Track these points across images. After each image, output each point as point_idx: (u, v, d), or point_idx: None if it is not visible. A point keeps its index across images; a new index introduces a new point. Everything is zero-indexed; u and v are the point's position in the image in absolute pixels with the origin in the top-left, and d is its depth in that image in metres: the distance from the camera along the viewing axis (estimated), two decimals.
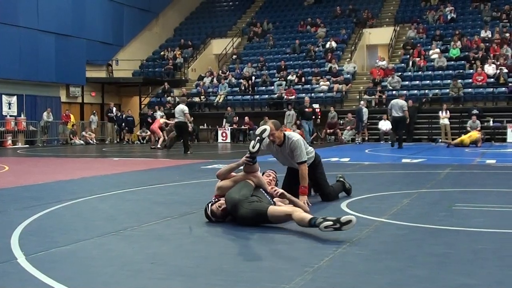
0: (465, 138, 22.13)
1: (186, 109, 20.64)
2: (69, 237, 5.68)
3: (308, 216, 5.67)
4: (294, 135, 7.67)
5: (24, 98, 29.54)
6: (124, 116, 32.14)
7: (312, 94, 30.14)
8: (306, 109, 25.50)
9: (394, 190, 8.80)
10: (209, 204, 6.43)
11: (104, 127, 33.47)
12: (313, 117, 26.94)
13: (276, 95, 30.00)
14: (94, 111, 32.76)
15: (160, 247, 5.28)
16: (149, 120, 30.27)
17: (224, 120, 29.92)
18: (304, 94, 29.94)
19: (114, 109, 32.26)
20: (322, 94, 30.27)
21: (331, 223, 5.41)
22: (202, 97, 32.73)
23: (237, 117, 29.83)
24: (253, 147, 6.63)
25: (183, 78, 36.28)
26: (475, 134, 22.34)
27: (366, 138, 27.16)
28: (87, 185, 10.62)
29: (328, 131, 28.20)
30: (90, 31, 33.04)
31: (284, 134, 7.51)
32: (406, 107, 21.44)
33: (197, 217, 6.86)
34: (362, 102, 27.86)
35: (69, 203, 8.06)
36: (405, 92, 27.09)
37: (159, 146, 23.72)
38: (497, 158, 16.10)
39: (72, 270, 4.48)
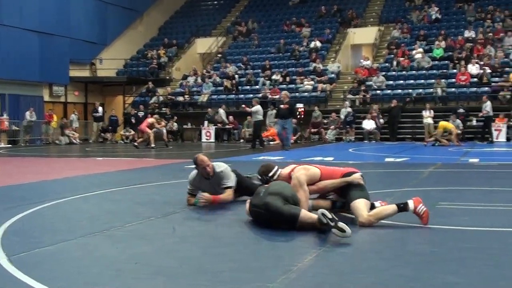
0: (439, 128, 22.78)
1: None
2: (52, 237, 5.63)
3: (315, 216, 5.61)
4: (221, 165, 7.66)
5: (6, 98, 29.28)
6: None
7: (297, 94, 30.16)
8: (282, 106, 21.38)
9: (377, 189, 8.79)
10: None
11: (87, 126, 33.29)
12: (299, 116, 26.94)
13: (261, 95, 30.01)
14: (75, 110, 32.44)
15: (144, 247, 5.26)
16: (133, 120, 30.19)
17: (206, 121, 29.83)
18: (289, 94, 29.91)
19: (100, 108, 32.07)
20: (306, 93, 30.30)
21: (329, 216, 5.35)
22: (186, 96, 32.65)
23: (221, 117, 29.76)
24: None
25: (168, 77, 36.16)
26: (449, 125, 22.71)
27: (352, 138, 27.20)
28: (71, 185, 10.55)
29: (312, 130, 28.25)
30: (74, 29, 32.82)
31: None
32: None
33: (180, 217, 6.85)
34: (346, 102, 27.96)
35: (52, 203, 8.00)
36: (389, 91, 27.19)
37: (153, 145, 23.52)
38: (480, 157, 16.19)
39: (56, 270, 4.44)
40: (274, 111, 27.60)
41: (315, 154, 17.31)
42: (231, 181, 7.60)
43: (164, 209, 7.33)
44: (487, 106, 24.33)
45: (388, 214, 6.06)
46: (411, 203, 6.01)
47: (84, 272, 4.38)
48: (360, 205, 6.14)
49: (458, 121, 24.40)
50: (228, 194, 7.53)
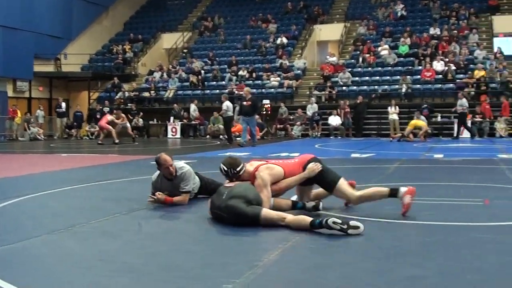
0: (409, 125, 22.94)
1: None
2: (17, 235, 5.58)
3: (308, 218, 5.57)
4: (184, 166, 7.50)
5: None
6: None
7: (263, 90, 30.21)
8: (244, 102, 21.13)
9: None
10: None
11: (52, 122, 32.92)
12: (265, 112, 27.00)
13: (227, 90, 29.97)
14: (40, 106, 32.05)
15: (110, 244, 5.24)
16: (98, 116, 29.91)
17: (172, 117, 29.73)
18: (254, 90, 30.02)
19: (63, 104, 31.71)
20: (272, 90, 30.37)
21: (339, 221, 5.33)
22: (152, 92, 32.48)
23: (187, 112, 29.67)
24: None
25: (133, 72, 35.91)
26: (419, 122, 23.07)
27: (318, 134, 27.34)
28: (34, 182, 10.45)
29: (279, 126, 28.35)
30: (38, 24, 32.31)
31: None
32: None
33: (146, 213, 6.82)
34: (312, 98, 28.10)
35: (16, 200, 7.91)
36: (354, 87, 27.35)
37: (116, 141, 23.27)
38: (444, 152, 16.41)
39: (21, 269, 4.40)
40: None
41: (282, 150, 17.36)
42: (190, 185, 7.45)
43: (130, 205, 7.28)
44: (463, 102, 24.51)
45: (377, 197, 6.48)
46: (403, 190, 6.26)
47: (50, 270, 4.36)
48: (346, 186, 6.57)
49: (422, 117, 24.68)
50: (183, 198, 7.34)
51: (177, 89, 32.30)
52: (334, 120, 27.06)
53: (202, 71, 32.77)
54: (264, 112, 28.01)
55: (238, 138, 24.00)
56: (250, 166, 6.60)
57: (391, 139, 23.40)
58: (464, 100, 24.63)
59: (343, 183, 6.57)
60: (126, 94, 32.77)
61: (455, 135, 24.87)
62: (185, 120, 29.58)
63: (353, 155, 16.06)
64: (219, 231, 5.70)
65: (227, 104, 22.26)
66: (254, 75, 31.61)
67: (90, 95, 34.27)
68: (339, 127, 27.05)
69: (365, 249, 4.91)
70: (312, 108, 27.70)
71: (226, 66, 33.13)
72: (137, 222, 6.26)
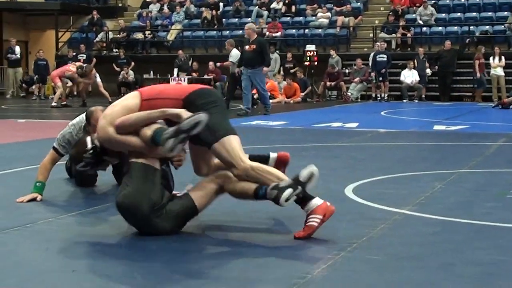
0: None
1: None
2: None
3: (252, 186, 5.59)
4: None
5: None
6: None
7: (306, 31, 30.06)
8: (247, 47, 20.16)
9: (421, 170, 8.83)
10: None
11: (2, 74, 33.07)
12: (306, 63, 26.85)
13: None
14: None
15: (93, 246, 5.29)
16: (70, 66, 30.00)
17: (176, 68, 29.66)
18: (294, 31, 29.85)
19: (17, 48, 31.78)
20: (320, 30, 30.20)
21: (290, 190, 5.32)
22: (147, 32, 32.50)
23: (197, 63, 29.64)
24: (171, 149, 5.52)
25: (120, 4, 35.97)
26: None
27: (384, 95, 27.12)
28: None
29: (328, 84, 28.12)
30: None
31: None
32: None
33: None
34: (378, 43, 27.84)
35: None
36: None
37: (54, 104, 23.31)
38: None
39: None
40: (274, 55, 27.61)
41: (332, 119, 17.33)
42: None
43: (106, 197, 7.32)
44: None
45: (264, 180, 5.73)
46: (318, 201, 5.60)
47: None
48: (236, 144, 5.74)
49: None
50: None
51: (183, 28, 32.26)
52: (409, 76, 26.82)
53: (220, 3, 32.63)
54: (308, 63, 27.84)
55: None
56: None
57: (495, 103, 23.05)
58: None
59: (235, 139, 5.78)
60: (111, 35, 32.80)
61: None
62: (194, 74, 29.54)
63: (437, 127, 15.98)
64: (249, 239, 5.71)
65: (233, 54, 21.91)
66: (293, 8, 31.44)
67: (58, 37, 34.32)
68: (415, 86, 26.82)
69: (452, 264, 4.85)
70: (377, 57, 27.43)
71: None
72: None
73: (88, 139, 5.90)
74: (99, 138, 5.85)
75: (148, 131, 5.51)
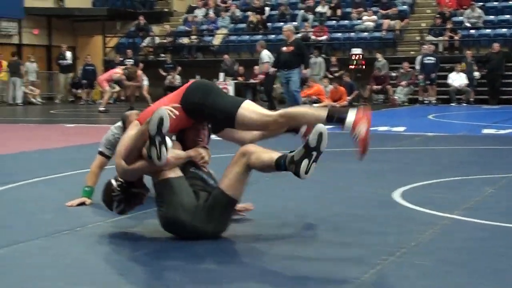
0: None
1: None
2: (4, 238, 5.71)
3: (274, 156, 5.49)
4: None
5: None
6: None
7: (352, 34, 29.99)
8: (284, 48, 20.04)
9: (470, 174, 8.77)
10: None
11: (52, 79, 33.32)
12: (352, 67, 26.76)
13: (300, 35, 29.88)
14: (31, 57, 31.87)
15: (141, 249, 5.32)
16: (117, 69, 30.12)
17: (222, 73, 29.68)
18: (340, 34, 29.80)
19: (69, 54, 32.01)
20: (366, 34, 30.14)
21: (306, 161, 5.24)
22: (193, 37, 32.62)
23: (242, 67, 29.68)
24: (158, 157, 5.49)
25: (166, 9, 36.14)
26: None
27: (433, 99, 26.96)
28: (28, 163, 10.64)
29: (375, 87, 28.08)
30: None
31: None
32: None
33: None
34: (425, 46, 27.69)
35: (2, 188, 8.08)
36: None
37: (101, 108, 23.44)
38: None
39: (10, 278, 4.56)
40: (319, 58, 27.57)
41: (379, 122, 17.24)
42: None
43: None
44: None
45: (304, 121, 5.88)
46: (351, 116, 5.60)
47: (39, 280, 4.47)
48: (252, 106, 5.85)
49: None
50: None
51: (229, 33, 32.34)
52: (457, 79, 26.65)
53: (266, 8, 32.68)
54: (354, 67, 27.76)
55: (315, 104, 23.86)
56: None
57: None
58: None
59: (249, 103, 5.88)
60: (157, 40, 32.97)
61: None
62: (240, 78, 29.56)
63: (486, 130, 15.87)
64: (295, 242, 5.71)
65: (263, 55, 21.70)
66: (339, 12, 31.39)
67: (105, 42, 34.59)
68: (464, 89, 26.64)
69: (504, 270, 4.81)
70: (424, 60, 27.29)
71: (298, 0, 32.99)
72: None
73: (113, 180, 5.95)
74: (119, 175, 5.93)
75: (144, 150, 5.60)
